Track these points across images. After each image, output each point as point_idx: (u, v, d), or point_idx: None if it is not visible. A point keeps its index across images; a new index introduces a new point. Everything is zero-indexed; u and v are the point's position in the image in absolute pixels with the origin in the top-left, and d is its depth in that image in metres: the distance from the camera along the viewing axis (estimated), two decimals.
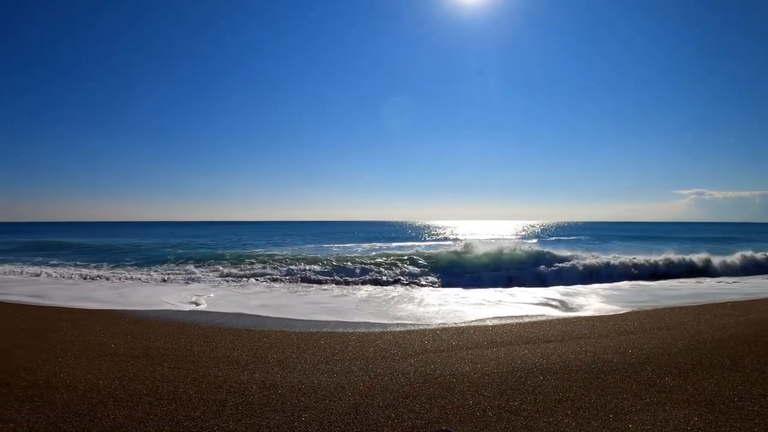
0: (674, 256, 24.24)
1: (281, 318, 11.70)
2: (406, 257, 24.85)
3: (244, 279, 20.02)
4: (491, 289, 16.19)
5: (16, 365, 7.39)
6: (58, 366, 7.36)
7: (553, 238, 66.50)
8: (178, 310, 12.73)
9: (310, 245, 47.10)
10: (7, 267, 24.09)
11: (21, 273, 22.27)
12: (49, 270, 22.89)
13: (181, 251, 34.30)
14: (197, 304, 13.57)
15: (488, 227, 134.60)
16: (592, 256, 24.37)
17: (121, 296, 15.36)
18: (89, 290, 16.76)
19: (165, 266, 24.26)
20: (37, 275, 21.58)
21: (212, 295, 15.52)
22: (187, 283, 19.08)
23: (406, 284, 19.18)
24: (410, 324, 10.74)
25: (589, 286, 17.71)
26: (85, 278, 20.28)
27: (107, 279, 20.16)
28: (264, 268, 22.81)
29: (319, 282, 19.68)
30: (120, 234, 79.24)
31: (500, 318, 11.52)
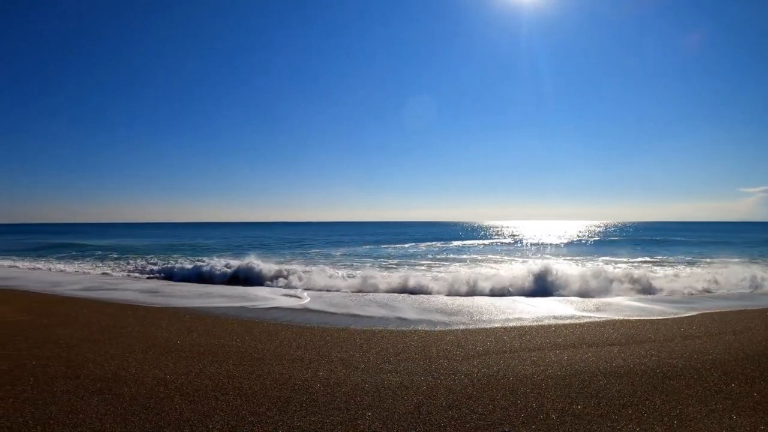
0: None
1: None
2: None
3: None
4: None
5: (85, 359, 7.55)
6: (126, 360, 7.48)
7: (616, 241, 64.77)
8: (257, 307, 12.85)
9: (372, 246, 47.35)
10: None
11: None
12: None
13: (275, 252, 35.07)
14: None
15: (548, 228, 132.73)
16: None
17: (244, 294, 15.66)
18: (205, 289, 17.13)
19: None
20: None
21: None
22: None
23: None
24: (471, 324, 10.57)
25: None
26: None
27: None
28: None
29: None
30: (189, 235, 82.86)
31: (559, 318, 11.33)
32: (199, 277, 21.37)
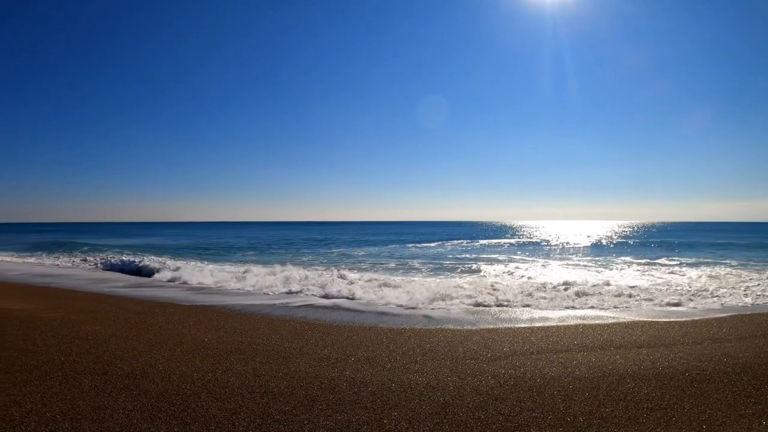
0: None
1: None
2: None
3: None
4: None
5: (113, 355, 7.62)
6: (153, 357, 7.53)
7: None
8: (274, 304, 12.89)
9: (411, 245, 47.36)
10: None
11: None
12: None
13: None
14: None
15: (578, 228, 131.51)
16: None
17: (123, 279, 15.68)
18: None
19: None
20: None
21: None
22: None
23: None
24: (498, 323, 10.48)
25: None
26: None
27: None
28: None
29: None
30: (221, 235, 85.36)
31: (586, 319, 11.20)
32: (121, 268, 25.40)
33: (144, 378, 6.46)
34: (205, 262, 28.10)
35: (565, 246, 49.84)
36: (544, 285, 16.49)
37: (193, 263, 26.66)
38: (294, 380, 6.45)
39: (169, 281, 19.36)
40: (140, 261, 26.15)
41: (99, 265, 27.68)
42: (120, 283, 18.87)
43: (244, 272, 20.76)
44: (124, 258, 28.37)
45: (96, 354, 7.67)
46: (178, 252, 39.03)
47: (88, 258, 31.10)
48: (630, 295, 13.91)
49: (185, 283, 18.68)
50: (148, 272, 22.92)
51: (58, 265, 28.99)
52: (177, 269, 21.80)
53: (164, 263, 25.16)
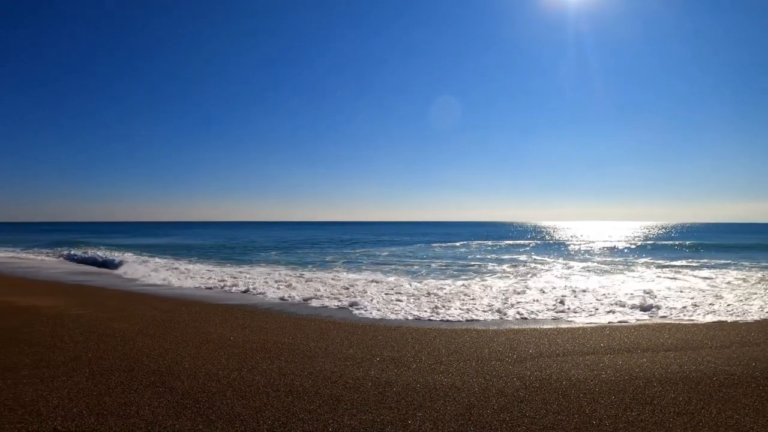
0: None
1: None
2: None
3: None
4: None
5: (139, 352, 7.68)
6: (179, 355, 7.57)
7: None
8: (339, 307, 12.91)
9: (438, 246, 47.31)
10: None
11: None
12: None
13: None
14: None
15: (603, 229, 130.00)
16: None
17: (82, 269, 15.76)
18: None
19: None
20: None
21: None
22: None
23: None
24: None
25: None
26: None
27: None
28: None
29: None
30: (252, 234, 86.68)
31: (613, 320, 11.06)
32: (84, 260, 29.77)
33: (170, 375, 6.49)
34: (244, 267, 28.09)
35: (591, 248, 49.22)
36: (574, 291, 16.20)
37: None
38: (319, 379, 6.43)
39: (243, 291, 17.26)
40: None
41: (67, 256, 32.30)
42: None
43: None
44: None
45: (123, 351, 7.73)
46: (206, 252, 39.36)
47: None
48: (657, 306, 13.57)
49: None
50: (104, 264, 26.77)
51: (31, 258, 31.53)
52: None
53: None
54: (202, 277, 19.86)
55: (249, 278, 19.50)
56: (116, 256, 29.44)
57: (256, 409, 5.32)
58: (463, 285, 17.72)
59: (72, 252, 33.61)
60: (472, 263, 29.50)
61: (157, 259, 29.61)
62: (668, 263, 28.90)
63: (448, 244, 54.66)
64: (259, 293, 15.44)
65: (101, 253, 31.57)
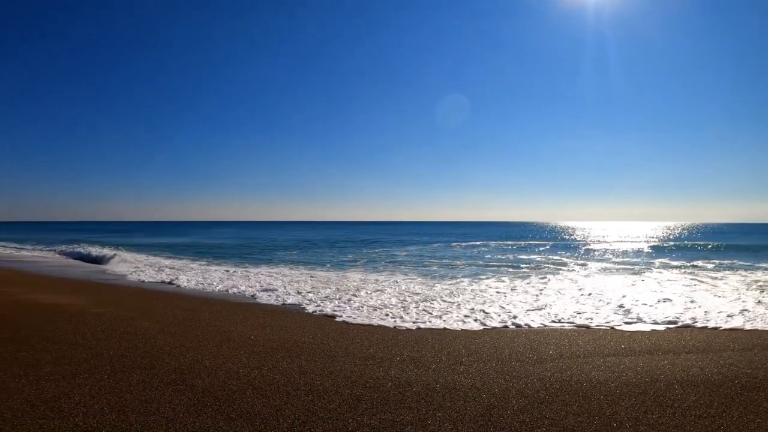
0: None
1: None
2: None
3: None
4: None
5: (160, 350, 7.73)
6: (200, 353, 7.60)
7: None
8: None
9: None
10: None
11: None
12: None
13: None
14: None
15: (623, 229, 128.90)
16: None
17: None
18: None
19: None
20: None
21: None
22: None
23: None
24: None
25: None
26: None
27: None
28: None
29: None
30: (283, 234, 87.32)
31: (634, 324, 10.86)
32: (73, 255, 33.17)
33: (191, 373, 6.52)
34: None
35: (613, 248, 48.77)
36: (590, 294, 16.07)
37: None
38: (339, 379, 6.42)
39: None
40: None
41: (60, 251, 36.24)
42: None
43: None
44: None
45: (144, 349, 7.79)
46: (226, 252, 39.58)
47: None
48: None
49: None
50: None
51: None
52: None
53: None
54: (221, 277, 20.03)
55: (267, 277, 19.66)
56: (139, 258, 29.79)
57: (276, 408, 5.32)
58: (478, 285, 17.63)
59: (89, 251, 33.69)
60: (491, 264, 29.34)
61: (176, 260, 30.15)
62: (690, 264, 28.52)
63: (467, 243, 54.61)
64: (276, 292, 15.47)
65: (119, 254, 31.64)
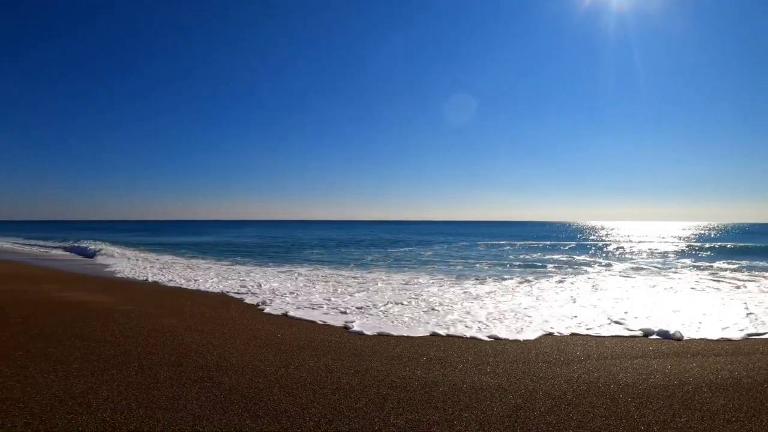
0: None
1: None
2: None
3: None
4: None
5: (188, 348, 7.79)
6: (227, 351, 7.64)
7: None
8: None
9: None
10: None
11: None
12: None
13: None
14: None
15: (651, 229, 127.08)
16: None
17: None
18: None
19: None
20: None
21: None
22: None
23: None
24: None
25: None
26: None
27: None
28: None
29: None
30: (309, 233, 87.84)
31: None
32: (70, 250, 37.50)
33: (218, 371, 6.55)
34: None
35: (639, 249, 48.15)
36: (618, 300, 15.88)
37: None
38: (365, 378, 6.42)
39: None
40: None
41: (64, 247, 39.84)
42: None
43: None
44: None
45: (172, 346, 7.85)
46: (253, 251, 39.81)
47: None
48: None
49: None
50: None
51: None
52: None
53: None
54: (243, 278, 20.12)
55: (292, 277, 19.74)
56: (164, 258, 30.49)
57: (303, 406, 5.33)
58: (501, 284, 17.52)
59: (109, 250, 34.53)
60: (516, 264, 29.09)
61: (200, 259, 30.53)
62: (720, 265, 28.07)
63: (492, 241, 54.44)
64: (299, 292, 15.50)
65: (144, 255, 32.40)
